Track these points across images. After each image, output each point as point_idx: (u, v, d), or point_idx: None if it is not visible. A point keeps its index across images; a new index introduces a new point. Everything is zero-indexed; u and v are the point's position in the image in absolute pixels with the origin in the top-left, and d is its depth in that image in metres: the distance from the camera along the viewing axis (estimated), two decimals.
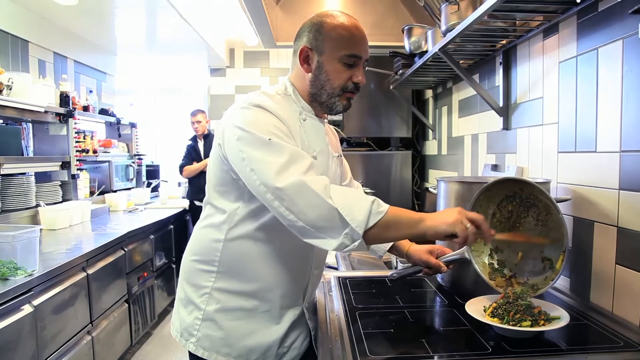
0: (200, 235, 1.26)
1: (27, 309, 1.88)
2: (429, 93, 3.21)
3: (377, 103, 3.31)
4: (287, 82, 1.25)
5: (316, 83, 1.18)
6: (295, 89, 1.23)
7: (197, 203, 4.30)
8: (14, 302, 1.81)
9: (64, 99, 3.39)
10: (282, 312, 1.23)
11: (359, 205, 0.99)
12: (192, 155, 4.35)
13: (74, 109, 3.43)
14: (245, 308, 1.21)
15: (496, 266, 1.22)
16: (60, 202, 3.31)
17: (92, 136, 3.82)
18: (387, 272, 1.67)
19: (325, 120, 1.32)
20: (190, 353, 1.24)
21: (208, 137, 4.39)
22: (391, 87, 3.02)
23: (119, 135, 4.57)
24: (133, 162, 4.68)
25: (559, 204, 1.40)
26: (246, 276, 1.20)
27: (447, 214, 1.04)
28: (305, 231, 1.01)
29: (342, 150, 1.43)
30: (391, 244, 1.38)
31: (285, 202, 1.00)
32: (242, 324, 1.20)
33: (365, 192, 1.52)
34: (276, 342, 1.22)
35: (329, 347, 1.04)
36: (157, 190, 4.99)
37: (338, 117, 3.22)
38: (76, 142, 3.45)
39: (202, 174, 4.14)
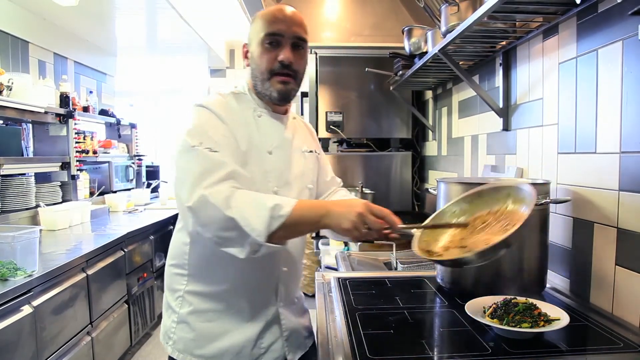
0: (174, 240, 1.28)
1: (26, 309, 1.88)
2: (428, 94, 3.20)
3: (376, 104, 3.30)
4: (244, 82, 1.29)
5: (253, 74, 1.22)
6: (250, 87, 1.27)
7: None
8: (14, 302, 1.81)
9: (64, 99, 3.39)
10: (253, 312, 1.23)
11: (256, 213, 0.98)
12: None
13: (74, 109, 3.43)
14: (216, 309, 1.21)
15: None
16: (60, 202, 3.31)
17: (92, 137, 3.82)
18: (387, 273, 1.67)
19: (292, 116, 1.34)
20: (169, 357, 1.25)
21: None
22: (391, 88, 3.02)
23: (119, 136, 4.58)
24: (133, 163, 4.68)
25: (559, 205, 1.41)
26: (214, 278, 1.21)
27: (346, 215, 1.00)
28: (214, 241, 1.03)
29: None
30: None
31: (193, 217, 1.02)
32: (214, 325, 1.21)
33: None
34: (249, 342, 1.21)
35: (328, 348, 1.04)
36: (157, 191, 4.99)
37: (338, 118, 3.22)
38: (76, 142, 3.45)
39: None
